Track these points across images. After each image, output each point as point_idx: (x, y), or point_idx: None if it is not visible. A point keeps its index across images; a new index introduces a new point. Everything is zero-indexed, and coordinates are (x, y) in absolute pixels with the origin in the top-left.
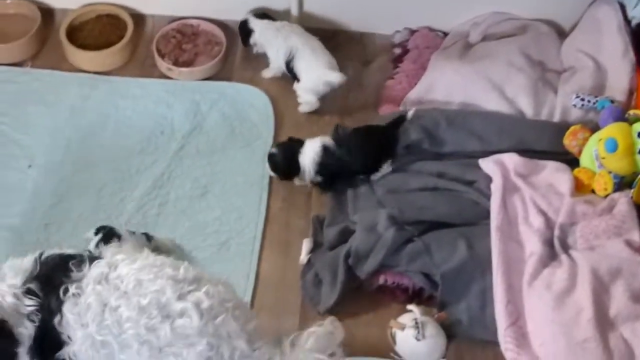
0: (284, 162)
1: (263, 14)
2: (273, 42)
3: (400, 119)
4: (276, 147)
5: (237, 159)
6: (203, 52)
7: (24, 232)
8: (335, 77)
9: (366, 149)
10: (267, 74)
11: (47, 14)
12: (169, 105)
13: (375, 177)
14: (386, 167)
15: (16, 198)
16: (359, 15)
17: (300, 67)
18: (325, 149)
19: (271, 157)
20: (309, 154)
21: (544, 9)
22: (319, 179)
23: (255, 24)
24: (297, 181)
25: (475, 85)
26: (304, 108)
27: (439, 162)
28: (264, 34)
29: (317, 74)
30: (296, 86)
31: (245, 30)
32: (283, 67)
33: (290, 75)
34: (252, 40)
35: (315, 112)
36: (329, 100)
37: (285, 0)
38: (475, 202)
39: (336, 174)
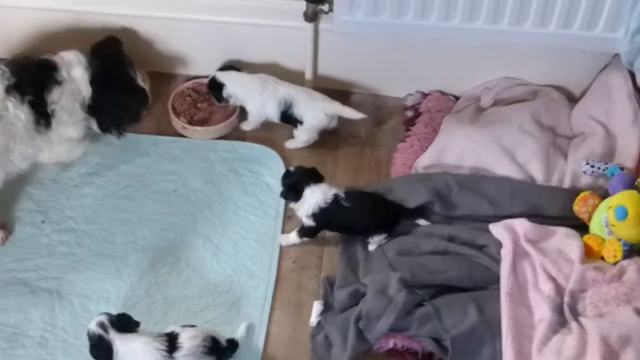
0: (292, 183)
1: (227, 66)
2: (255, 96)
3: (407, 212)
4: (297, 168)
5: (249, 219)
6: (218, 111)
7: (38, 287)
8: (354, 114)
9: (371, 213)
10: (246, 126)
11: None
12: (183, 164)
13: (370, 246)
14: (380, 239)
15: (30, 253)
16: (372, 78)
17: (301, 111)
18: (336, 198)
19: (286, 173)
20: (318, 195)
21: (555, 75)
22: (311, 222)
23: (224, 77)
24: (292, 205)
25: (487, 150)
26: (296, 144)
27: (450, 225)
28: (237, 86)
29: (320, 109)
30: (298, 130)
31: (215, 85)
32: (267, 118)
33: (289, 123)
34: (225, 94)
35: (327, 173)
36: (342, 162)
37: (300, 63)
38: (486, 267)
39: (329, 225)
